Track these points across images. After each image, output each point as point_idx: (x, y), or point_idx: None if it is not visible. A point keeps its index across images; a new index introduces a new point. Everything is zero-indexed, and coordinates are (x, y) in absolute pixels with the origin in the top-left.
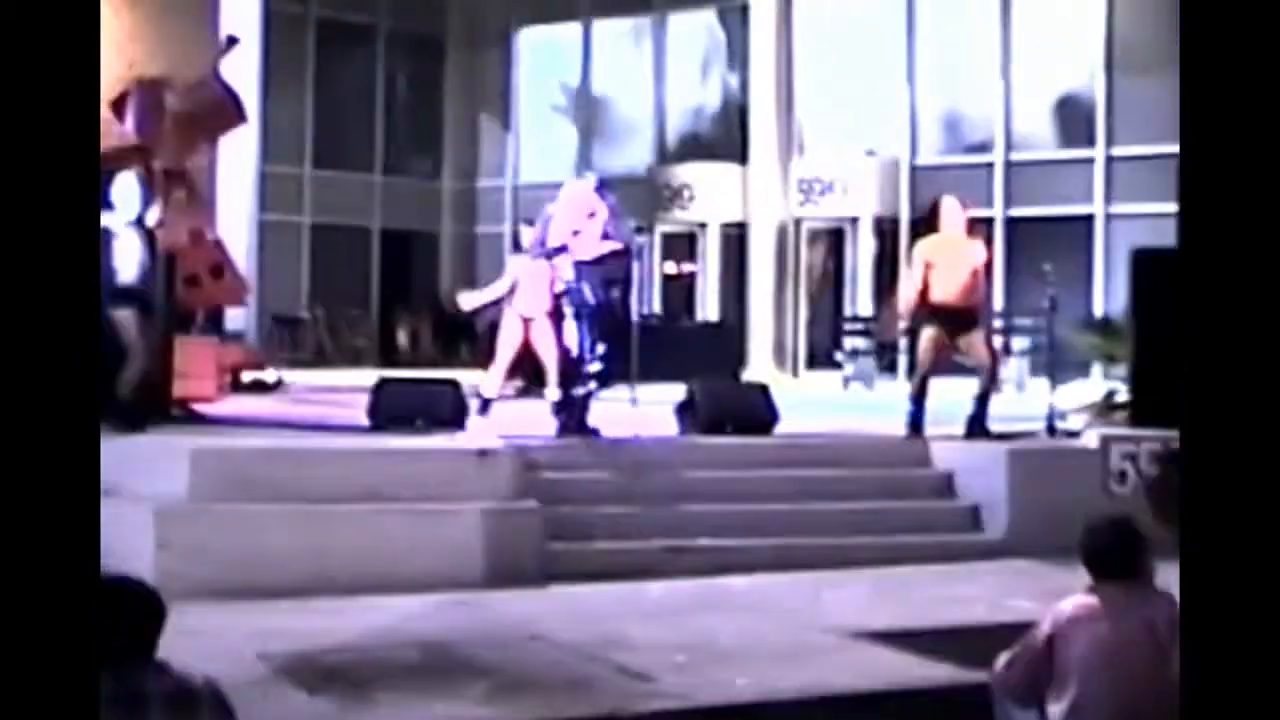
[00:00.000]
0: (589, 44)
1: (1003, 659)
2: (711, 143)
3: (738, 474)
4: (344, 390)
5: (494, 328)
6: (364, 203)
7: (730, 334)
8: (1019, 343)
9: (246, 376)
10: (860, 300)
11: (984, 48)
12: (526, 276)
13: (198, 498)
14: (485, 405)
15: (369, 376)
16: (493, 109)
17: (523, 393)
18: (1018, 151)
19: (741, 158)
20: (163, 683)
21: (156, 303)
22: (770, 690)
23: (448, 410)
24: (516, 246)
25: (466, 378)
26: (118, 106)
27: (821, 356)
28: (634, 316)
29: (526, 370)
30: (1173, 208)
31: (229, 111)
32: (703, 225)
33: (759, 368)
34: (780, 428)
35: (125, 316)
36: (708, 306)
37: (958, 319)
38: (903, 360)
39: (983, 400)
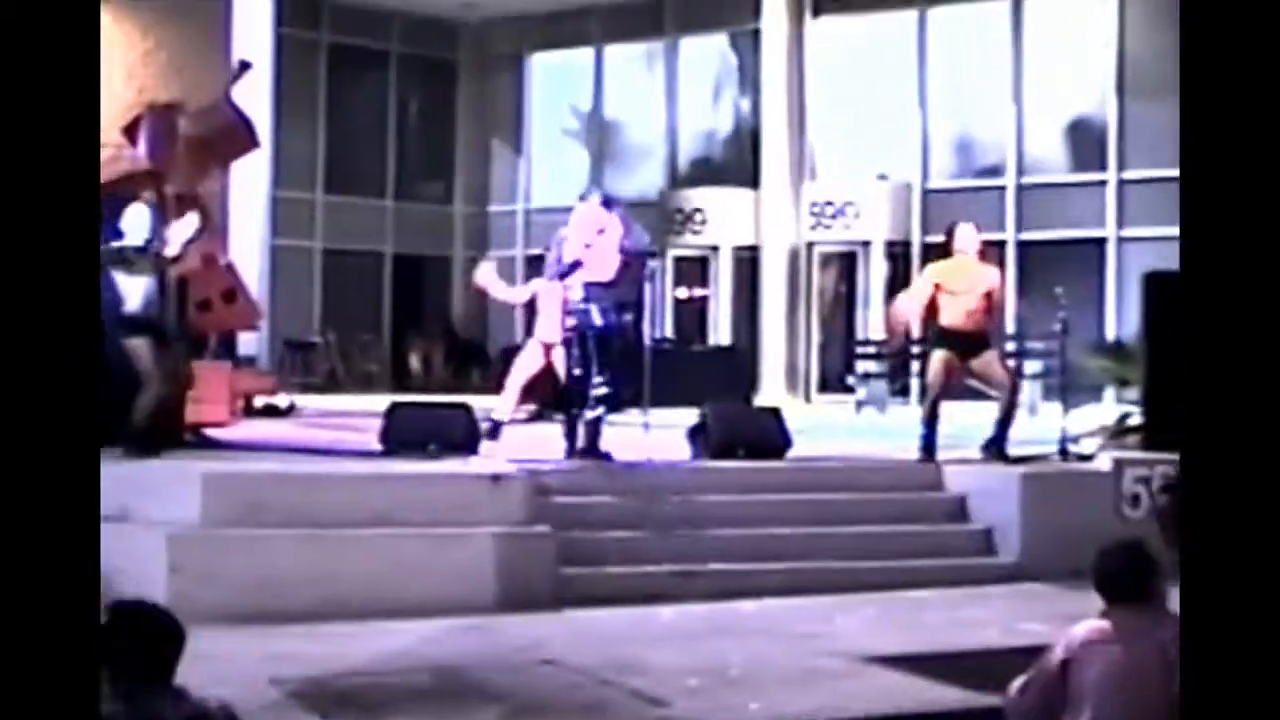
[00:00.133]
0: (601, 68)
1: (1017, 683)
2: (723, 167)
3: (750, 498)
4: (356, 415)
5: (507, 353)
6: (376, 227)
7: (742, 358)
8: (1031, 366)
9: (259, 401)
10: (872, 324)
11: (995, 71)
12: (545, 298)
13: (210, 522)
14: (496, 429)
15: (381, 401)
16: (505, 134)
17: (535, 417)
18: (1029, 175)
19: (753, 182)
20: (180, 708)
21: (171, 329)
22: (783, 715)
23: (460, 435)
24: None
25: (479, 402)
26: (130, 131)
27: (834, 380)
28: (646, 340)
29: (543, 395)
30: None
31: (241, 136)
32: (715, 249)
33: (771, 392)
34: (793, 452)
35: (139, 345)
36: (720, 330)
37: (968, 342)
38: (915, 384)
39: (1004, 423)
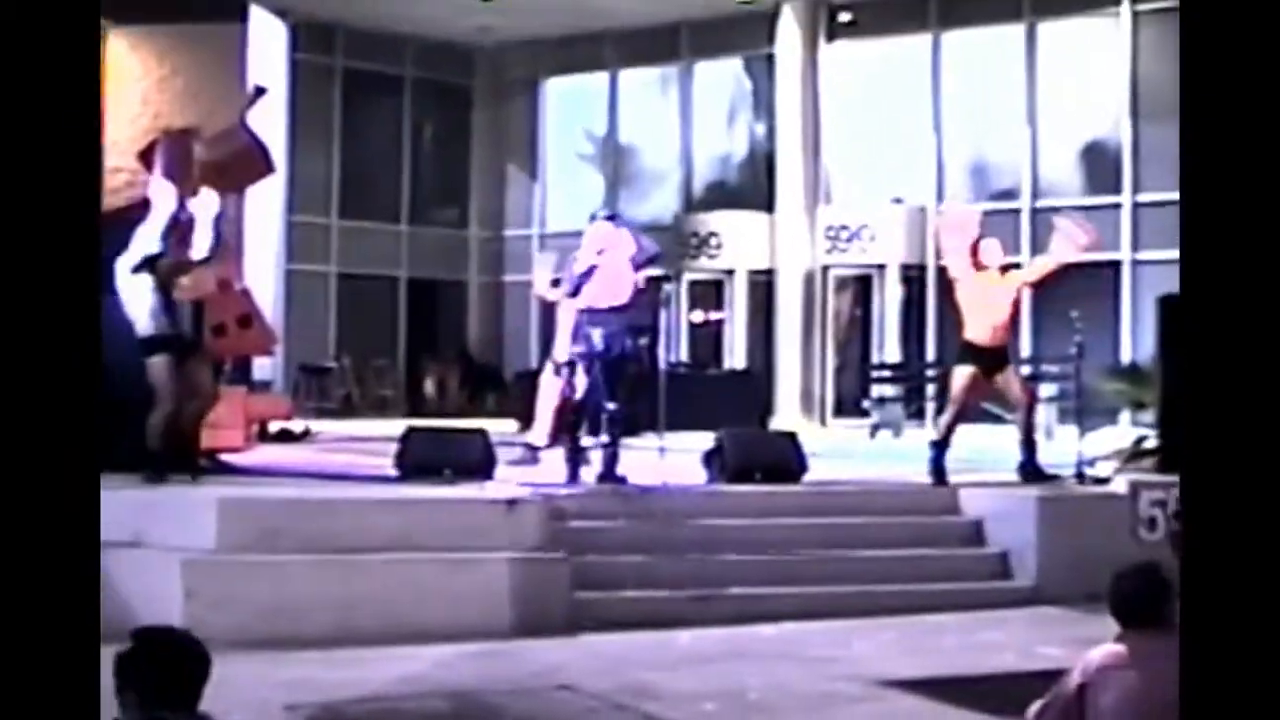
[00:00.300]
0: (615, 93)
1: (1034, 708)
2: (738, 191)
3: (766, 522)
4: (371, 440)
5: (521, 377)
6: (391, 252)
7: (758, 382)
8: (1046, 389)
9: (274, 426)
10: (888, 347)
11: (1010, 95)
12: (562, 314)
13: (226, 548)
14: (535, 454)
15: (396, 426)
16: (520, 158)
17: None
18: (1044, 198)
19: (768, 205)
20: None
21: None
22: None
23: (475, 460)
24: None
25: (494, 427)
26: (146, 157)
27: (849, 404)
28: (661, 364)
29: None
30: None
31: (257, 161)
32: (730, 273)
33: (786, 415)
34: (809, 476)
35: (156, 363)
36: (735, 354)
37: (992, 358)
38: (930, 407)
39: (1028, 443)
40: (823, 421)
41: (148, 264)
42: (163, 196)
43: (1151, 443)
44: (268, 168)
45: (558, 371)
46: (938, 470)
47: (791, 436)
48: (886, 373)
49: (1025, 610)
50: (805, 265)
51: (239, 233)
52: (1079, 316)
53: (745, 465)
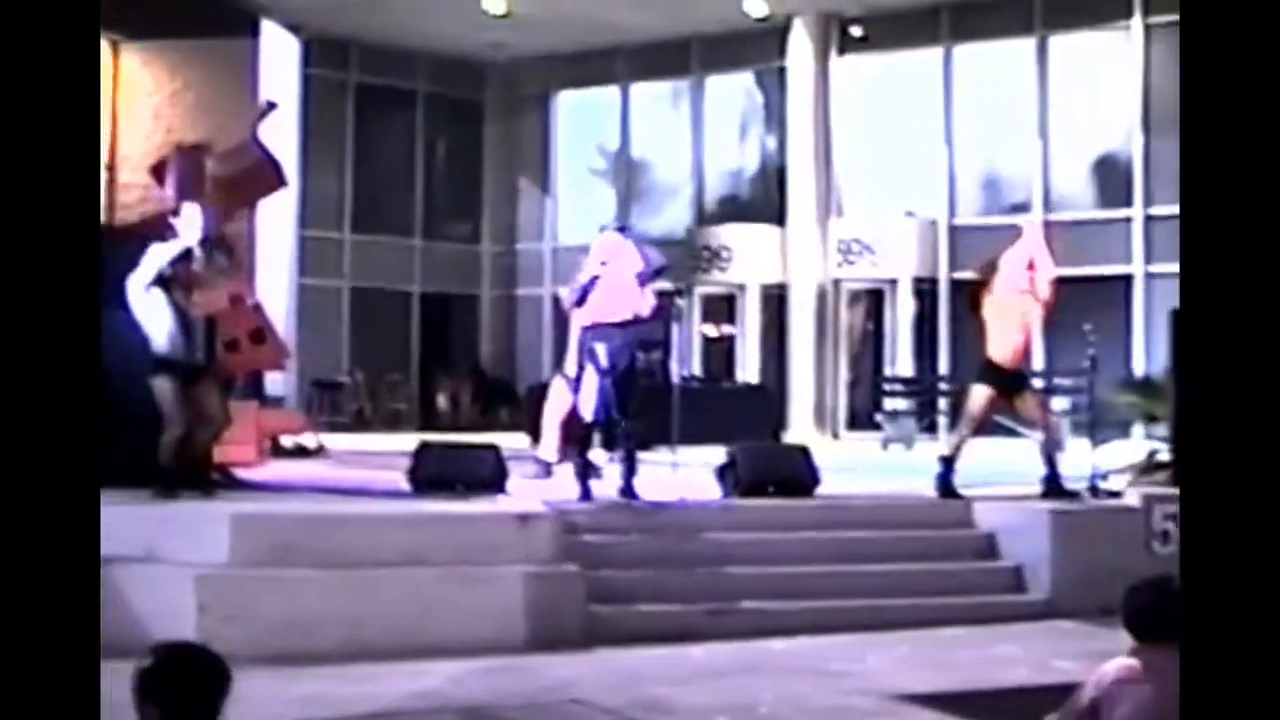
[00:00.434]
0: (627, 107)
1: None
2: (750, 204)
3: (779, 536)
4: (384, 454)
5: (533, 391)
6: (404, 266)
7: (770, 396)
8: (1059, 402)
9: (287, 441)
10: (900, 361)
11: (1021, 108)
12: (575, 328)
13: (239, 563)
14: (548, 469)
15: (409, 440)
16: (532, 172)
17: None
18: (1056, 212)
19: (780, 219)
20: None
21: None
22: None
23: (488, 474)
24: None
25: (506, 441)
26: (158, 172)
27: (862, 417)
28: (674, 379)
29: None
30: None
31: (269, 176)
32: (742, 287)
33: (799, 429)
34: (822, 490)
35: (161, 385)
36: (747, 368)
37: (1012, 380)
38: (942, 421)
39: (1052, 459)
40: (835, 435)
41: (160, 280)
42: (190, 220)
43: (1164, 456)
44: (279, 182)
45: (569, 385)
46: (945, 486)
47: (804, 450)
48: (899, 386)
49: (1039, 624)
50: (817, 279)
51: (251, 248)
52: (1092, 330)
53: (758, 479)
